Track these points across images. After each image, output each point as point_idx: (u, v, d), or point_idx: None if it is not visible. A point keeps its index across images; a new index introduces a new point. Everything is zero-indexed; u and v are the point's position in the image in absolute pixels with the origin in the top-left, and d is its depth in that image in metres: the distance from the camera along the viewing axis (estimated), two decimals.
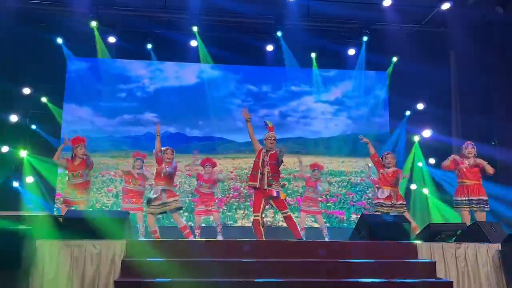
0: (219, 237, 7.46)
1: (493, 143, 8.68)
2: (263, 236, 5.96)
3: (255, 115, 9.94)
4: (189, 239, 6.81)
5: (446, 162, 6.77)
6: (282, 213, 6.15)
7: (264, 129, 6.30)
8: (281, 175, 6.32)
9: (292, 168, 9.75)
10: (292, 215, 6.17)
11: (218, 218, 7.78)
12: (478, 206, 6.41)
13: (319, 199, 8.43)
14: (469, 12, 8.87)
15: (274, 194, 5.98)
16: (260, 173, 6.05)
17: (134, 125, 9.84)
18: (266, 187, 6.00)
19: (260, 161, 6.11)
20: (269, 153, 6.15)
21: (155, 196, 6.58)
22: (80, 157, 6.72)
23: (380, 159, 6.89)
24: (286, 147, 6.29)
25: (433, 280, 4.62)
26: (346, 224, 9.70)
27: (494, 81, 9.07)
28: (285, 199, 6.14)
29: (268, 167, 6.06)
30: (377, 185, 6.97)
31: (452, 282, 4.59)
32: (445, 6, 8.56)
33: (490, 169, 6.47)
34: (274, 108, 10.27)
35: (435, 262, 4.78)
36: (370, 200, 9.44)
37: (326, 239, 7.98)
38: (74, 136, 6.88)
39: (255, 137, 6.33)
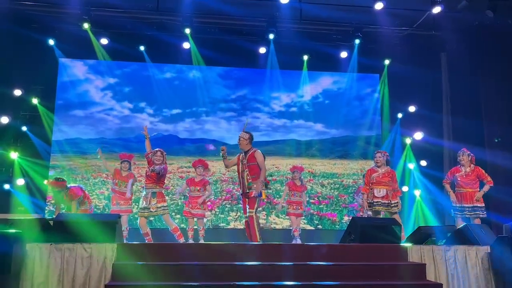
0: (201, 241, 7.16)
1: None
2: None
3: (246, 116, 9.92)
4: (181, 241, 6.80)
5: (447, 185, 6.86)
6: (247, 212, 5.99)
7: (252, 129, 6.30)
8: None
9: (285, 170, 9.76)
10: (253, 217, 5.90)
11: (202, 222, 7.44)
12: (471, 213, 6.45)
13: (306, 205, 8.26)
14: (460, 16, 8.94)
15: (255, 196, 5.91)
16: (241, 177, 6.02)
17: (125, 127, 9.80)
18: (247, 190, 5.95)
19: (240, 165, 6.05)
20: (247, 155, 6.08)
21: (143, 200, 6.61)
22: None
23: (368, 176, 6.88)
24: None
25: (423, 282, 4.65)
26: (338, 226, 9.71)
27: (484, 83, 9.15)
28: (266, 198, 6.07)
29: (247, 169, 5.99)
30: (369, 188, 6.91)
31: (441, 284, 4.62)
32: (436, 9, 8.62)
33: (487, 186, 6.54)
34: (266, 110, 10.27)
35: (425, 265, 4.82)
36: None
37: (297, 239, 7.73)
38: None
39: (228, 162, 6.29)
